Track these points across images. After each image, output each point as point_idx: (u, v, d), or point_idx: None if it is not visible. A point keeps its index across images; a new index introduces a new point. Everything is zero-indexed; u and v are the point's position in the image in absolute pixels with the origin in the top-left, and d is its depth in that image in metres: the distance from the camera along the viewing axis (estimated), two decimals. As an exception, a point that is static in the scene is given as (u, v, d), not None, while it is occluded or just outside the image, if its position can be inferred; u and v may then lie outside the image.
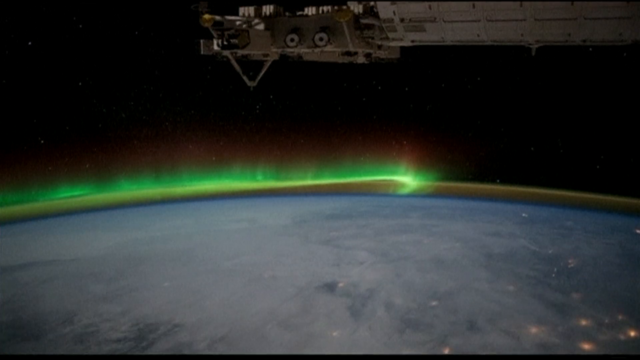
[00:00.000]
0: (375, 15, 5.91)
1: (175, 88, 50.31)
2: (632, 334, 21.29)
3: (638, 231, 43.29)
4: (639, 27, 4.80)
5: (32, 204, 51.63)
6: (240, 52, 6.64)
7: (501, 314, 22.92)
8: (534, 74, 47.19)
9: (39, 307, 24.79)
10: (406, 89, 51.62)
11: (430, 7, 5.34)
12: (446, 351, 19.73)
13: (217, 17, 6.25)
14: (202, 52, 6.93)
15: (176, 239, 38.40)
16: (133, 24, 42.74)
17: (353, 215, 46.79)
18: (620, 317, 22.63)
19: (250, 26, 6.58)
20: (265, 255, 32.65)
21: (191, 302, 24.79)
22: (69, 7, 39.10)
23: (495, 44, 5.67)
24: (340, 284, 26.89)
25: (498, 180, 57.85)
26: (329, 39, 6.19)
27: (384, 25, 5.87)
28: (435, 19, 5.45)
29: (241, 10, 6.68)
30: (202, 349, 20.17)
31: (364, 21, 6.18)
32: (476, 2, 5.10)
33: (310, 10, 6.48)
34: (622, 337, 20.99)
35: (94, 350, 20.22)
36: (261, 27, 6.56)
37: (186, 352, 19.87)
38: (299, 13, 6.61)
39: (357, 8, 6.11)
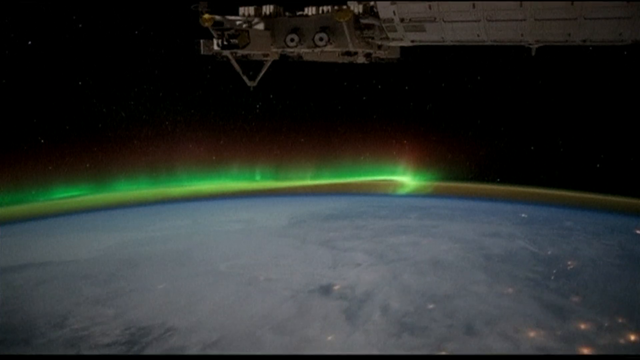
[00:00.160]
0: (375, 15, 5.88)
1: (175, 88, 50.12)
2: (632, 337, 20.93)
3: (638, 231, 42.91)
4: (639, 27, 4.77)
5: (30, 204, 51.37)
6: (240, 52, 6.61)
7: (499, 317, 22.56)
8: (534, 74, 46.83)
9: (31, 310, 24.46)
10: (406, 87, 51.25)
11: (430, 7, 5.31)
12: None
13: (217, 17, 6.21)
14: (202, 52, 6.89)
15: (173, 239, 38.05)
16: (133, 24, 42.61)
17: (351, 215, 46.41)
18: (620, 321, 22.28)
19: (250, 26, 6.56)
20: (262, 256, 32.31)
21: (185, 305, 24.45)
22: (68, 6, 39.09)
23: (495, 44, 5.64)
24: (337, 287, 26.54)
25: (498, 180, 57.50)
26: (329, 39, 6.17)
27: (384, 25, 5.86)
28: (435, 19, 5.43)
29: (241, 10, 6.65)
30: (194, 353, 19.86)
31: (364, 21, 6.16)
32: (476, 2, 5.06)
33: (310, 10, 6.45)
34: (622, 341, 20.63)
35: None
36: (261, 27, 6.54)
37: (178, 357, 19.57)
38: (299, 13, 6.59)
39: (357, 8, 6.08)
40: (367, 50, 6.81)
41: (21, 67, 41.16)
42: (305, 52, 6.85)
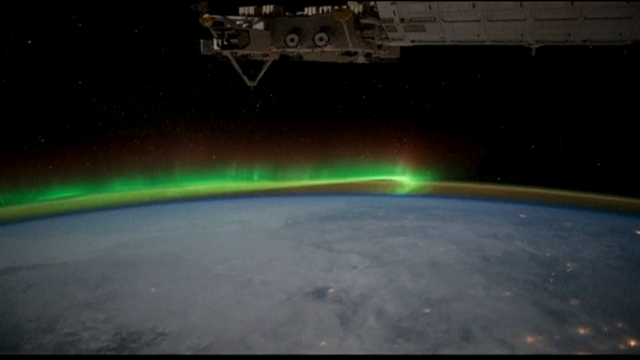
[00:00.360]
0: (375, 15, 5.87)
1: (175, 87, 49.82)
2: (633, 343, 20.51)
3: (638, 232, 42.49)
4: (639, 27, 4.76)
5: (27, 204, 51.01)
6: (240, 52, 6.62)
7: (496, 321, 22.14)
8: (534, 73, 46.42)
9: (20, 314, 24.06)
10: (406, 87, 50.81)
11: (430, 7, 5.33)
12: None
13: (217, 17, 6.22)
14: (202, 52, 6.89)
15: (167, 241, 37.61)
16: (133, 23, 42.40)
17: (348, 216, 45.98)
18: (620, 325, 21.85)
19: (250, 26, 6.55)
20: (256, 259, 31.88)
21: (177, 309, 24.03)
22: (68, 5, 38.87)
23: (495, 44, 5.66)
24: (331, 290, 26.11)
25: (498, 179, 57.05)
26: (329, 39, 6.18)
27: (384, 25, 5.86)
28: (435, 19, 5.44)
29: (241, 10, 6.68)
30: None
31: (364, 21, 6.16)
32: (476, 2, 5.08)
33: (310, 10, 6.47)
34: (622, 346, 20.22)
35: (71, 361, 19.49)
36: (261, 27, 6.54)
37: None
38: (299, 13, 6.60)
39: (357, 8, 6.09)
40: (367, 50, 6.84)
41: (21, 66, 41.04)
42: (305, 52, 6.86)
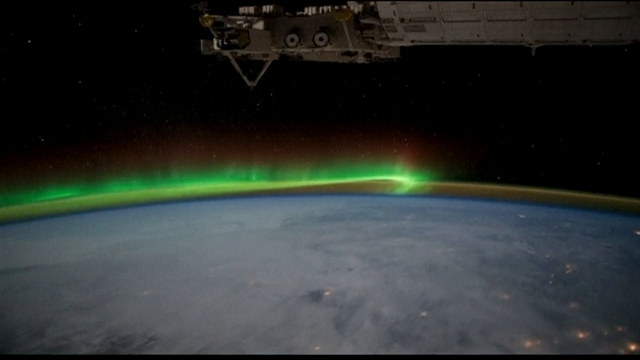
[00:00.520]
0: (375, 15, 5.84)
1: (175, 86, 49.66)
2: (633, 347, 20.13)
3: (638, 233, 42.11)
4: (639, 27, 4.74)
5: (24, 205, 50.67)
6: (240, 52, 6.60)
7: (494, 325, 21.76)
8: (534, 72, 46.06)
9: (11, 318, 23.67)
10: (406, 86, 50.45)
11: (430, 7, 5.31)
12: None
13: (217, 17, 6.21)
14: (202, 52, 6.88)
15: (162, 243, 37.27)
16: (133, 22, 42.28)
17: (346, 217, 45.61)
18: (620, 329, 21.47)
19: (250, 26, 6.53)
20: (251, 261, 31.50)
21: (169, 313, 23.64)
22: (68, 5, 38.87)
23: (495, 44, 5.64)
24: (327, 293, 25.74)
25: (498, 178, 56.68)
26: (329, 39, 6.16)
27: (384, 25, 5.84)
28: (435, 19, 5.42)
29: (241, 9, 6.66)
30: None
31: (364, 21, 6.12)
32: (476, 2, 5.05)
33: (310, 10, 6.45)
34: (621, 351, 19.84)
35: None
36: (261, 26, 6.52)
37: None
38: (299, 13, 6.58)
39: (357, 8, 6.06)
40: (367, 50, 6.81)
41: (21, 65, 41.02)
42: (305, 52, 6.84)
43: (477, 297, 24.81)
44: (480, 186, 57.88)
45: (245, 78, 7.16)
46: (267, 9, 6.55)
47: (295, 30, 6.37)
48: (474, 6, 5.09)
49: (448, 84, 51.79)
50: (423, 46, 6.23)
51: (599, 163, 50.60)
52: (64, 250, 35.92)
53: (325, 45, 6.19)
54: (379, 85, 50.54)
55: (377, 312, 23.12)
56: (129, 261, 32.34)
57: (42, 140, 47.16)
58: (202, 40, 6.84)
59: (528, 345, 20.12)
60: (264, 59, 7.04)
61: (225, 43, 6.25)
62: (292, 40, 6.32)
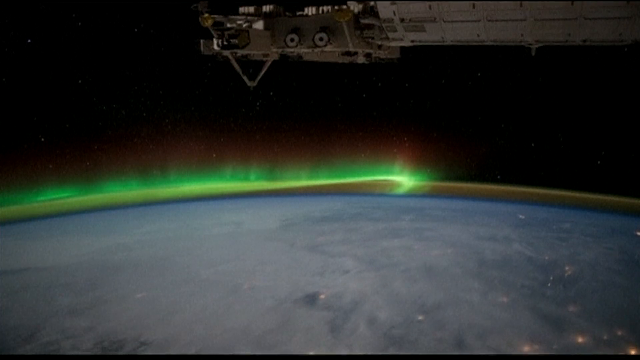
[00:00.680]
0: (375, 15, 5.85)
1: (175, 86, 49.53)
2: (633, 351, 19.74)
3: (639, 233, 41.71)
4: (639, 27, 4.74)
5: (20, 205, 50.35)
6: (240, 52, 6.61)
7: (492, 329, 21.36)
8: (534, 71, 45.71)
9: (1, 321, 23.30)
10: (406, 85, 50.11)
11: (430, 7, 5.32)
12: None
13: (217, 17, 6.24)
14: (202, 52, 6.91)
15: (158, 244, 36.91)
16: (132, 22, 42.19)
17: (343, 218, 45.23)
18: (619, 333, 21.07)
19: (250, 25, 6.54)
20: (247, 262, 31.12)
21: (162, 317, 23.27)
22: (68, 4, 38.91)
23: (495, 44, 5.64)
24: (323, 296, 25.35)
25: (499, 177, 56.31)
26: (329, 39, 6.17)
27: (384, 25, 5.84)
28: (435, 19, 5.42)
29: (241, 9, 6.67)
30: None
31: (364, 21, 6.12)
32: (476, 2, 5.06)
33: (310, 10, 6.47)
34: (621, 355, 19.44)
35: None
36: (261, 27, 6.53)
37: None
38: (299, 13, 6.59)
39: (357, 8, 6.07)
40: (367, 50, 6.81)
41: (21, 65, 41.09)
42: (305, 52, 6.85)
43: (475, 300, 24.42)
44: (480, 186, 57.56)
45: (245, 78, 7.16)
46: (267, 8, 6.55)
47: (295, 30, 6.37)
48: (474, 6, 5.08)
49: (448, 83, 51.48)
50: (423, 45, 6.25)
51: (599, 162, 50.28)
52: (59, 251, 35.58)
53: (325, 45, 6.19)
54: (379, 84, 50.25)
55: (373, 316, 22.73)
56: (124, 263, 31.98)
57: (42, 139, 47.12)
58: (202, 40, 6.85)
59: (526, 350, 19.73)
60: (264, 59, 7.04)
61: (225, 43, 6.27)
62: (292, 40, 6.33)
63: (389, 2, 5.50)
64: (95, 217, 49.81)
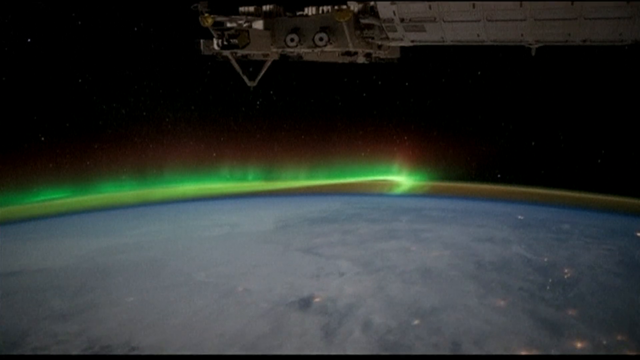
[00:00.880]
0: (375, 15, 5.86)
1: (175, 85, 49.33)
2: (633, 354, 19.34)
3: (639, 234, 41.29)
4: (639, 27, 4.73)
5: (15, 206, 49.90)
6: (240, 52, 6.62)
7: (489, 334, 20.95)
8: (534, 70, 45.35)
9: (-10, 326, 22.89)
10: (406, 84, 49.76)
11: (430, 7, 5.32)
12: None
13: (217, 17, 6.23)
14: (202, 52, 6.92)
15: (152, 246, 36.47)
16: (132, 21, 42.04)
17: (340, 219, 44.79)
18: (619, 338, 20.66)
19: (250, 25, 6.53)
20: (241, 265, 30.69)
21: (153, 321, 22.86)
22: (68, 4, 38.97)
23: (495, 44, 5.65)
24: (317, 299, 24.93)
25: (499, 176, 55.91)
26: (329, 39, 6.17)
27: (384, 25, 5.86)
28: (435, 19, 5.43)
29: (241, 9, 6.66)
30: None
31: (364, 21, 6.13)
32: (476, 2, 5.06)
33: (310, 10, 6.47)
34: (621, 361, 19.05)
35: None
36: (261, 27, 6.52)
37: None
38: (299, 13, 6.59)
39: (357, 8, 6.06)
40: (367, 50, 6.83)
41: (20, 64, 40.96)
42: (305, 52, 6.85)
43: (472, 304, 24.00)
44: (480, 186, 57.15)
45: (245, 78, 7.17)
46: (267, 8, 6.56)
47: (295, 30, 6.36)
48: (474, 6, 5.08)
49: (448, 82, 51.12)
50: (423, 45, 6.26)
51: (599, 161, 49.92)
52: (51, 253, 35.15)
53: (325, 45, 6.20)
54: (379, 83, 49.90)
55: (368, 320, 22.32)
56: (115, 266, 31.54)
57: (43, 139, 46.93)
58: (202, 40, 6.86)
59: (524, 355, 19.32)
60: (264, 58, 7.05)
61: (225, 43, 6.28)
62: (292, 40, 6.33)
63: (389, 2, 5.50)
64: (93, 218, 49.41)
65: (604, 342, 20.28)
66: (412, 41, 6.07)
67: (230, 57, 6.72)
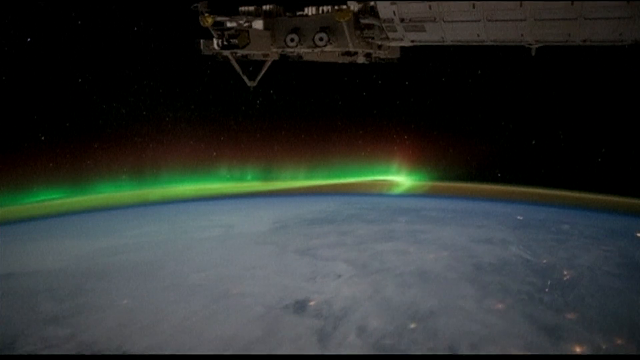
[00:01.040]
0: (375, 15, 5.86)
1: (175, 84, 49.16)
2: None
3: (639, 235, 40.93)
4: (639, 27, 4.73)
5: (11, 206, 49.55)
6: (240, 52, 6.61)
7: (486, 338, 20.59)
8: (534, 69, 45.01)
9: (-20, 330, 22.54)
10: (406, 83, 49.43)
11: (430, 7, 5.31)
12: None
13: (217, 17, 6.22)
14: (202, 52, 6.90)
15: (146, 247, 36.11)
16: (132, 20, 41.88)
17: (338, 219, 44.41)
18: (619, 342, 20.31)
19: (250, 25, 6.51)
20: (237, 267, 30.34)
21: (146, 325, 22.51)
22: (67, 3, 38.83)
23: (495, 44, 5.64)
24: (313, 302, 24.58)
25: (499, 175, 55.55)
26: (329, 39, 6.16)
27: (384, 25, 5.85)
28: (435, 19, 5.42)
29: (241, 9, 6.64)
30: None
31: (364, 21, 6.13)
32: (476, 2, 5.05)
33: (310, 10, 6.46)
34: (621, 365, 18.71)
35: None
36: (261, 26, 6.50)
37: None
38: (299, 13, 6.58)
39: (357, 8, 6.05)
40: (367, 50, 6.82)
41: (20, 64, 40.80)
42: (305, 52, 6.83)
43: (470, 307, 23.63)
44: (479, 186, 56.79)
45: (245, 78, 7.16)
46: (267, 8, 6.53)
47: (295, 30, 6.35)
48: (474, 6, 5.07)
49: (448, 82, 50.78)
50: (423, 45, 6.25)
51: (599, 160, 49.57)
52: (46, 255, 34.77)
53: (325, 45, 6.19)
54: (379, 82, 49.58)
55: (364, 324, 21.96)
56: (110, 267, 31.19)
57: (42, 138, 46.78)
58: (202, 40, 6.86)
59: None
60: (264, 58, 7.04)
61: (225, 43, 6.27)
62: (292, 40, 6.32)
63: (389, 2, 5.49)
64: (90, 219, 49.08)
65: (604, 347, 19.95)
66: (412, 41, 6.06)
67: (230, 57, 6.72)
